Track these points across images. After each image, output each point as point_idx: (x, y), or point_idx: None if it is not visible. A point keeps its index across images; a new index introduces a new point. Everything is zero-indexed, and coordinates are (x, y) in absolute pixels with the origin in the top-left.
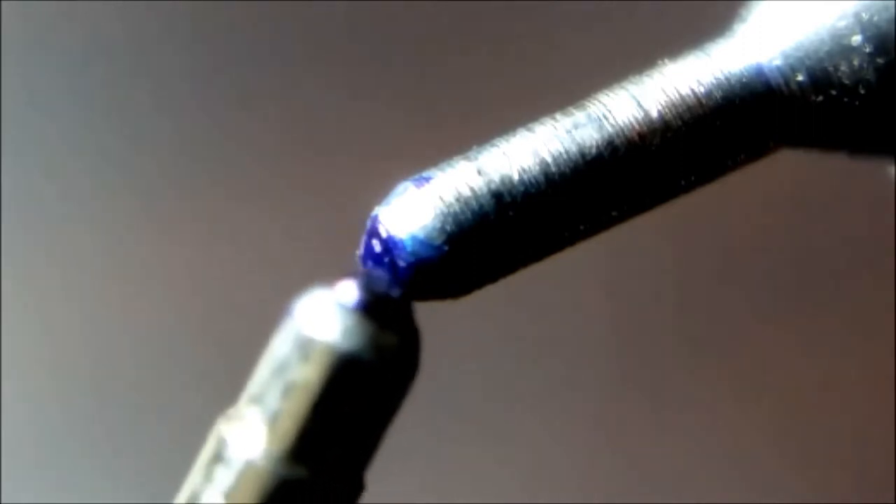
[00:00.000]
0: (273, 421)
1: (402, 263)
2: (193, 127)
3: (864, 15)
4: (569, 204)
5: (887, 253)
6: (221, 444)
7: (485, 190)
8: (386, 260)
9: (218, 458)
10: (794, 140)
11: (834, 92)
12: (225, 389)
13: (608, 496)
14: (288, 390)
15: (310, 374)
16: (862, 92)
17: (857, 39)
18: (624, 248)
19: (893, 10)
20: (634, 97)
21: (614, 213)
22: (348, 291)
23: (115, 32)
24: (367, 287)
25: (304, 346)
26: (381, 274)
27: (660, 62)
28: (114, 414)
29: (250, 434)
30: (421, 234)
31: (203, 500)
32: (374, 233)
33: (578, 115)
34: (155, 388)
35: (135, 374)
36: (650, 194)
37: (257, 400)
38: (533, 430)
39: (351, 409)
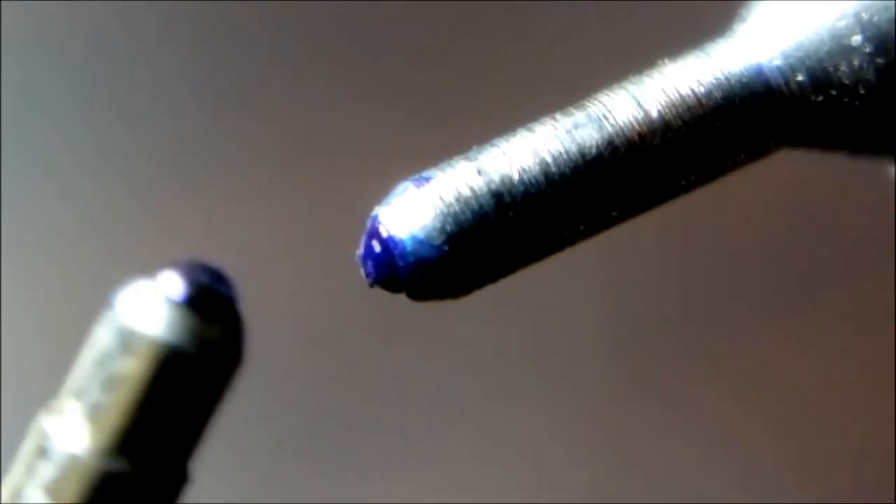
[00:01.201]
0: (95, 414)
1: (401, 263)
2: (193, 127)
3: (864, 15)
4: (569, 204)
5: (887, 253)
6: (43, 437)
7: (485, 190)
8: (386, 260)
9: (40, 452)
10: (794, 140)
11: (834, 92)
12: None
13: (608, 496)
14: (110, 383)
15: (132, 367)
16: (862, 92)
17: (857, 39)
18: (624, 248)
19: (893, 10)
20: (634, 97)
21: (614, 213)
22: (172, 283)
23: (115, 32)
24: (191, 279)
25: (127, 339)
26: (203, 266)
27: (660, 62)
28: None
29: (72, 427)
30: (421, 234)
31: (25, 496)
32: (374, 233)
33: (578, 115)
34: None
35: None
36: (650, 194)
37: (79, 393)
38: (533, 429)
39: (174, 402)
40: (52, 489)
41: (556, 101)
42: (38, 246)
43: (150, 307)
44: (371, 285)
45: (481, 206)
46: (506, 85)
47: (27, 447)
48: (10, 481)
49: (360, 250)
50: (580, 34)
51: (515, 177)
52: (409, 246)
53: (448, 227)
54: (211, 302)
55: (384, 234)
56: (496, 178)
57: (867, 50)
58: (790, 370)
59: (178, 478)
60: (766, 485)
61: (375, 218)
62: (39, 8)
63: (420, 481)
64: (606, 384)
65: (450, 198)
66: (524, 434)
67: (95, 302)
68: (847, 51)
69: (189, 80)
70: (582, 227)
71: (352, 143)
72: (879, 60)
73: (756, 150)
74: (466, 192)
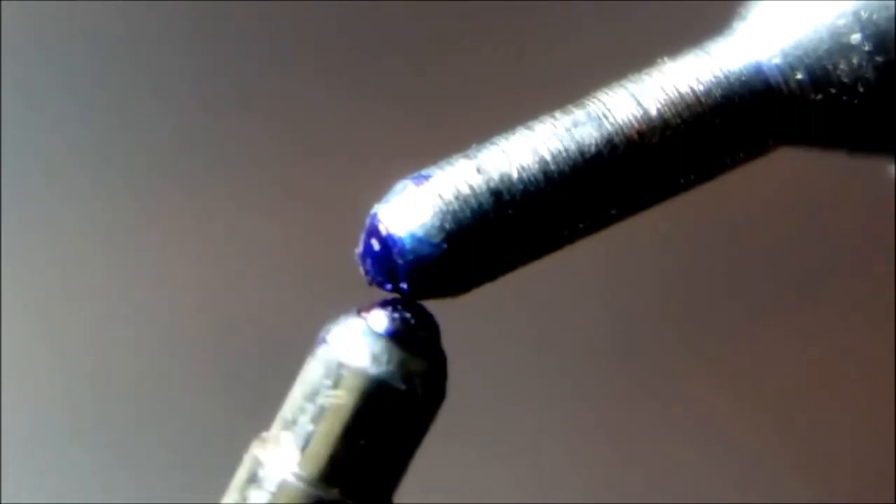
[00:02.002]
0: (306, 444)
1: (401, 261)
2: (193, 127)
3: (863, 13)
4: (568, 202)
5: (887, 252)
6: (256, 465)
7: (484, 188)
8: (385, 258)
9: (252, 479)
10: (793, 139)
11: (833, 90)
12: (224, 388)
13: (608, 496)
14: (320, 414)
15: (341, 399)
16: (861, 90)
17: (856, 38)
18: (624, 248)
19: (893, 9)
20: (634, 95)
21: (614, 212)
22: (379, 318)
23: (115, 32)
24: (396, 315)
25: (337, 372)
26: (409, 303)
27: (660, 61)
28: (113, 414)
29: (283, 456)
30: (420, 232)
31: None
32: (373, 231)
33: (578, 114)
34: (154, 387)
35: (134, 373)
36: (649, 192)
37: (290, 424)
38: (533, 429)
39: (381, 433)
40: None
41: (556, 101)
42: (38, 246)
43: (358, 342)
44: (370, 283)
45: (480, 204)
46: (506, 85)
47: (239, 475)
48: None
49: (360, 248)
50: (580, 34)
51: (515, 175)
52: (408, 244)
53: (447, 225)
54: (415, 337)
55: (383, 233)
56: (495, 176)
57: (866, 48)
58: (790, 370)
59: None
60: (766, 484)
61: (375, 216)
62: (39, 8)
63: (419, 481)
64: (606, 383)
65: (449, 196)
66: (524, 433)
67: (95, 302)
68: (846, 49)
69: (189, 80)
70: (581, 226)
71: (352, 143)
72: (879, 59)
73: (755, 149)
74: (466, 191)
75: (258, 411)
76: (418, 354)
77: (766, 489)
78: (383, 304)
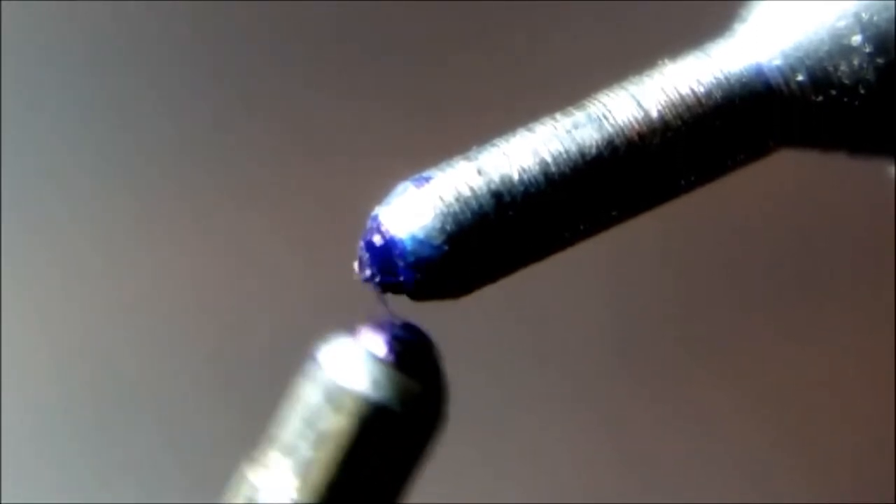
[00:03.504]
0: (304, 470)
1: (401, 263)
2: (193, 127)
3: (863, 15)
4: (569, 204)
5: (887, 252)
6: (252, 491)
7: (485, 190)
8: (385, 259)
9: None
10: (794, 140)
11: (834, 92)
12: (224, 389)
13: (608, 495)
14: (319, 440)
15: (341, 425)
16: (862, 92)
17: (856, 39)
18: (624, 248)
19: (893, 10)
20: (634, 97)
21: (614, 213)
22: (374, 340)
23: (115, 32)
24: (393, 336)
25: (335, 396)
26: (403, 322)
27: (660, 62)
28: (113, 414)
29: (281, 482)
30: (421, 234)
31: None
32: (373, 232)
33: (578, 115)
34: (154, 387)
35: (134, 373)
36: (650, 194)
37: (287, 448)
38: (533, 429)
39: (380, 458)
40: None
41: (556, 101)
42: (38, 246)
43: (355, 364)
44: (371, 285)
45: (481, 205)
46: (506, 85)
47: (234, 499)
48: None
49: (360, 250)
50: (580, 34)
51: (515, 177)
52: (408, 246)
53: (448, 227)
54: (414, 358)
55: (384, 234)
56: (496, 177)
57: (867, 50)
58: (790, 369)
59: None
60: (765, 484)
61: (375, 218)
62: (39, 8)
63: (420, 481)
64: (606, 383)
65: (450, 198)
66: (524, 433)
67: (95, 302)
68: (847, 50)
69: (189, 80)
70: (582, 227)
71: (352, 143)
72: (879, 60)
73: (756, 150)
74: (466, 192)
75: (258, 412)
76: (418, 378)
77: (766, 489)
78: (381, 327)
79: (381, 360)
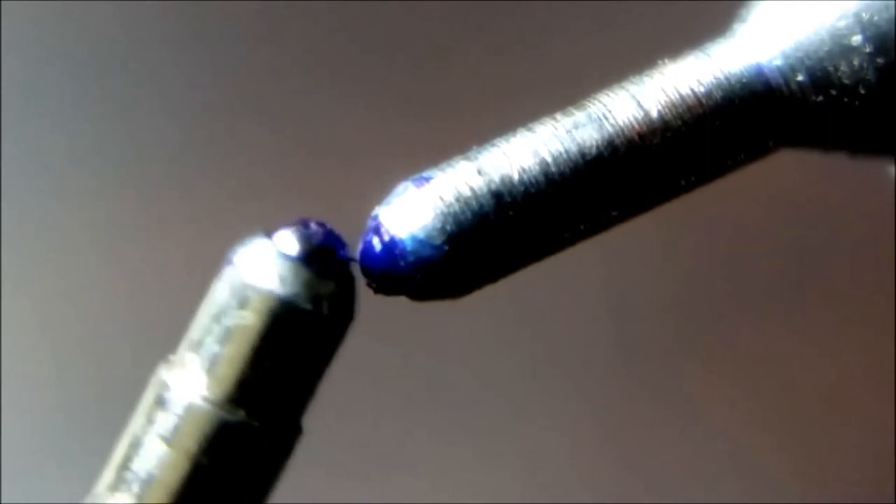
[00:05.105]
0: (212, 366)
1: (402, 263)
2: (193, 127)
3: (864, 15)
4: (569, 204)
5: (887, 253)
6: (163, 388)
7: (485, 190)
8: (386, 259)
9: (159, 402)
10: (794, 140)
11: (834, 92)
12: None
13: (608, 495)
14: (227, 336)
15: (249, 320)
16: (862, 92)
17: (857, 39)
18: (624, 249)
19: (893, 10)
20: (634, 97)
21: (615, 213)
22: (287, 241)
23: (115, 32)
24: (305, 237)
25: (244, 293)
26: (317, 224)
27: (660, 62)
28: (114, 414)
29: (191, 379)
30: (421, 234)
31: (145, 443)
32: (374, 233)
33: (578, 115)
34: None
35: (134, 373)
36: (650, 194)
37: (197, 346)
38: (533, 429)
39: (288, 355)
40: (171, 438)
41: (556, 101)
42: (38, 246)
43: (266, 263)
44: (371, 285)
45: (481, 206)
46: (506, 85)
47: (147, 398)
48: (129, 431)
49: (360, 250)
50: (581, 34)
51: (515, 177)
52: (409, 246)
53: (448, 227)
54: (325, 259)
55: (384, 234)
56: (496, 177)
57: (867, 50)
58: (790, 369)
59: (292, 430)
60: (765, 484)
61: (376, 218)
62: (39, 8)
63: (420, 481)
64: (607, 383)
65: (450, 198)
66: (524, 433)
67: (95, 302)
68: (847, 51)
69: (189, 81)
70: (582, 227)
71: (351, 143)
72: (879, 60)
73: (756, 150)
74: (466, 192)
75: None
76: (326, 276)
77: (765, 489)
78: (292, 225)
79: (290, 258)
